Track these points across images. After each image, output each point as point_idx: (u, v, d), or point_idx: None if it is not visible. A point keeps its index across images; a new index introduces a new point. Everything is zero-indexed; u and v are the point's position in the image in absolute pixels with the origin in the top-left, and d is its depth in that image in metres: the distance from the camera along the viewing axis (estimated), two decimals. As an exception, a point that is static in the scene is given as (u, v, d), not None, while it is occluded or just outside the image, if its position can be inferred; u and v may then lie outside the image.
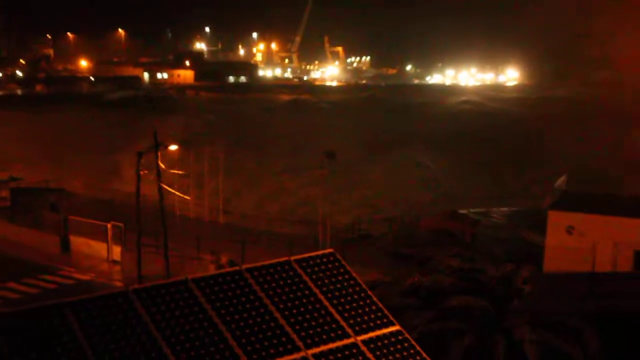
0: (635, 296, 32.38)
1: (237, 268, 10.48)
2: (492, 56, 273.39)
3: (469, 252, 32.90)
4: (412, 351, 9.78)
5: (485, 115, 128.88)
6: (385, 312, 10.30)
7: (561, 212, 39.11)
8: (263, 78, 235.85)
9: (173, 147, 50.04)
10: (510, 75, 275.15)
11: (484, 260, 27.81)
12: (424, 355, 9.80)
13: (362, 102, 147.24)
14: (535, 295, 24.27)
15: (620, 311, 28.45)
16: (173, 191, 46.70)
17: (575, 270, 34.64)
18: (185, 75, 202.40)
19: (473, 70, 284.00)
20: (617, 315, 27.23)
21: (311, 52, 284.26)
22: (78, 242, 47.37)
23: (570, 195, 43.01)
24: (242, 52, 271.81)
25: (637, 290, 33.23)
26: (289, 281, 10.31)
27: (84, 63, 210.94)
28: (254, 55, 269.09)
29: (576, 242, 36.65)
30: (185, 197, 52.01)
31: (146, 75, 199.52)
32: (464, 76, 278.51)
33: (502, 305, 21.78)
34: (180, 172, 50.57)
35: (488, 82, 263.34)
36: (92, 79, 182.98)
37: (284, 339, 9.39)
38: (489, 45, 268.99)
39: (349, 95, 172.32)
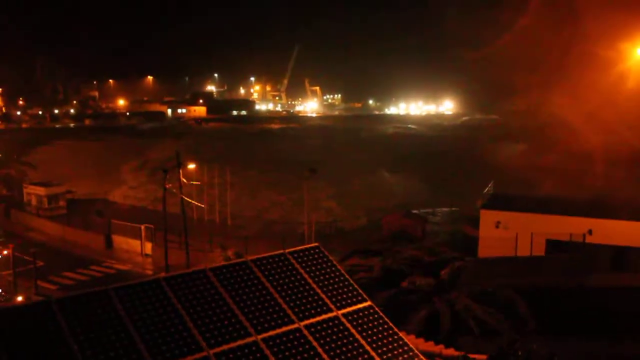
0: (547, 274, 32.57)
1: (243, 259, 10.39)
2: (433, 90, 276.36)
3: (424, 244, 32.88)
4: (380, 321, 9.78)
5: (409, 137, 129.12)
6: (360, 291, 10.27)
7: (490, 210, 39.39)
8: (259, 111, 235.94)
9: (191, 166, 49.84)
10: (447, 106, 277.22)
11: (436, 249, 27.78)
12: (390, 324, 9.80)
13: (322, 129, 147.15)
14: (473, 275, 24.29)
15: (537, 285, 28.61)
16: (190, 200, 46.41)
17: (502, 255, 34.83)
18: (200, 110, 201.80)
19: (420, 103, 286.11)
20: (535, 288, 27.39)
21: (296, 90, 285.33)
22: (119, 240, 47.11)
23: (497, 197, 43.24)
24: (242, 91, 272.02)
25: (548, 269, 33.44)
26: (284, 269, 10.26)
27: (121, 102, 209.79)
28: (251, 94, 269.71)
29: (502, 233, 36.83)
30: (201, 205, 51.77)
31: (169, 111, 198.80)
32: (413, 108, 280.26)
33: (446, 283, 21.77)
34: (197, 183, 50.40)
35: (432, 112, 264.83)
36: (127, 114, 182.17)
37: (281, 313, 9.36)
38: (431, 82, 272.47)
39: (323, 121, 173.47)
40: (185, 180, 42.12)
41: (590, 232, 35.92)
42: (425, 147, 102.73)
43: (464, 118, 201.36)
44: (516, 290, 21.56)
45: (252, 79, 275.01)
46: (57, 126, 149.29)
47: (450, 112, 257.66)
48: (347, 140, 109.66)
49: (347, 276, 10.53)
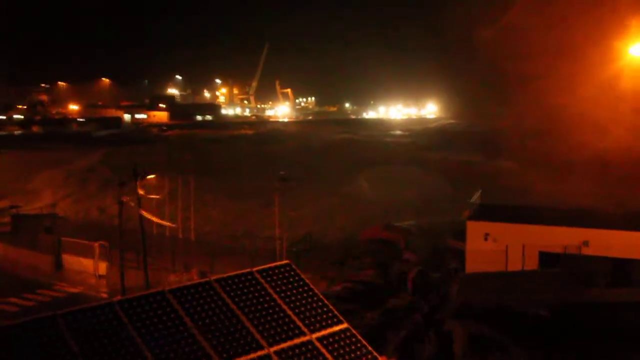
0: (541, 289, 32.76)
1: (207, 279, 10.27)
2: (414, 93, 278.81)
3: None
4: (358, 345, 9.71)
5: (355, 143, 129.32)
6: (335, 312, 10.21)
7: (478, 221, 39.50)
8: (226, 116, 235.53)
9: (150, 177, 49.46)
10: (430, 109, 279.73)
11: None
12: (369, 347, 9.73)
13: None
14: (461, 292, 24.33)
15: (531, 303, 28.73)
16: (149, 216, 45.95)
17: (492, 270, 34.92)
18: (161, 115, 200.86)
19: (399, 106, 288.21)
20: (528, 306, 27.50)
21: (265, 93, 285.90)
22: (70, 260, 46.48)
23: (485, 207, 43.44)
24: (207, 95, 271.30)
25: (543, 284, 33.63)
26: (251, 289, 10.16)
27: (73, 107, 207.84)
28: (217, 97, 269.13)
29: (491, 246, 36.98)
30: (166, 223, 51.23)
31: (127, 116, 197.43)
32: (393, 111, 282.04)
33: (432, 300, 21.77)
34: (156, 197, 49.97)
35: (414, 116, 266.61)
36: (80, 120, 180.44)
37: (249, 338, 9.24)
38: (412, 85, 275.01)
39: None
40: (143, 193, 41.75)
41: (586, 243, 36.23)
42: (365, 154, 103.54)
43: (438, 122, 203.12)
44: (508, 308, 21.65)
45: (218, 81, 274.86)
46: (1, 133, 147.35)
47: (433, 116, 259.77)
48: (272, 151, 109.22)
49: (321, 296, 10.46)
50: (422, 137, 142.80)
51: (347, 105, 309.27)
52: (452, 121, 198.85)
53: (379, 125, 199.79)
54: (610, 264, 35.97)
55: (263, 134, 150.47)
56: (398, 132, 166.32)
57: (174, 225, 52.34)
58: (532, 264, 36.46)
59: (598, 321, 28.27)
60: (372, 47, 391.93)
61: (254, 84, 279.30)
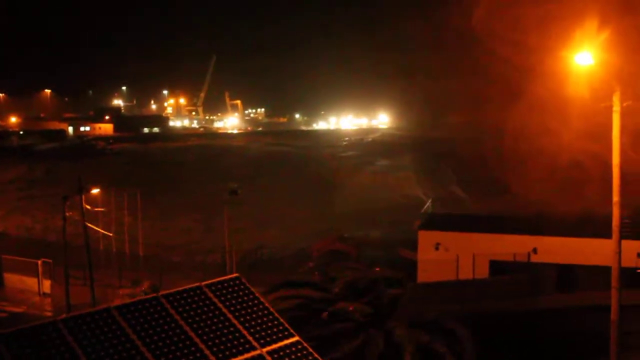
0: (491, 297, 33.31)
1: (154, 295, 10.17)
2: (366, 104, 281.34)
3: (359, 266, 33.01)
4: (310, 357, 9.73)
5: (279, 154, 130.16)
6: (286, 325, 10.21)
7: (429, 231, 39.96)
8: (173, 128, 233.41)
9: (95, 191, 48.74)
10: (382, 120, 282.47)
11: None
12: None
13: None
14: (411, 302, 24.52)
15: (482, 311, 29.20)
16: (95, 227, 45.23)
17: (443, 280, 35.37)
18: (106, 128, 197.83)
19: (350, 116, 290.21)
20: (479, 314, 27.92)
21: (214, 105, 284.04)
22: (12, 279, 45.33)
23: (436, 216, 44.03)
24: (154, 106, 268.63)
25: (494, 293, 34.19)
26: (200, 304, 10.11)
27: (13, 119, 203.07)
28: (165, 108, 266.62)
29: (442, 255, 37.43)
30: (108, 233, 50.54)
31: (70, 129, 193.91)
32: (345, 122, 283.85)
33: (383, 309, 21.84)
34: (101, 209, 49.23)
35: (364, 126, 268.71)
36: (20, 132, 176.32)
37: (198, 354, 9.16)
38: (363, 95, 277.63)
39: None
40: (88, 207, 41.08)
41: (535, 250, 37.00)
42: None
43: (375, 134, 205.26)
44: (460, 317, 21.89)
45: (166, 92, 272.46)
46: None
47: (385, 126, 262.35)
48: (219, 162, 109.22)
49: (271, 309, 10.47)
50: (359, 148, 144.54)
51: (297, 116, 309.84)
52: (398, 132, 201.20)
53: (327, 135, 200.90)
54: (557, 270, 36.86)
55: (208, 146, 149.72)
56: (343, 143, 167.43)
57: (111, 234, 51.56)
58: (483, 272, 37.04)
59: (547, 328, 28.88)
60: (323, 58, 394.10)
61: (202, 95, 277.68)
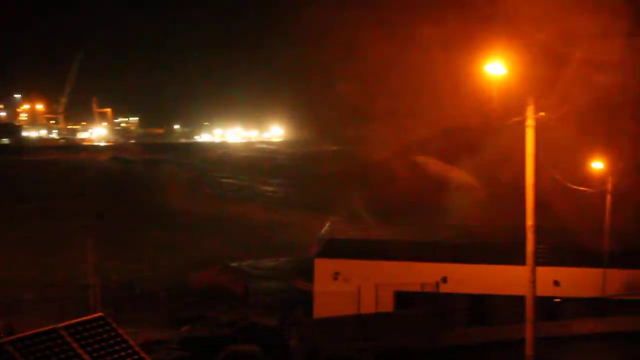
0: (396, 333, 33.71)
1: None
2: (256, 116, 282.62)
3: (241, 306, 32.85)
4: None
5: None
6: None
7: (326, 259, 39.58)
8: (27, 139, 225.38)
9: None
10: (275, 132, 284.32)
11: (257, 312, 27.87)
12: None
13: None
14: (306, 340, 24.55)
15: (384, 348, 29.51)
16: None
17: (343, 314, 35.22)
18: None
19: (238, 128, 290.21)
20: (382, 352, 28.23)
21: (79, 113, 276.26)
22: None
23: (335, 242, 43.79)
24: (4, 113, 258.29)
25: (398, 328, 34.60)
26: (56, 350, 9.66)
27: None
28: (18, 115, 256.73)
29: (342, 286, 37.21)
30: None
31: None
32: (231, 134, 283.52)
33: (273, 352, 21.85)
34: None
35: (253, 139, 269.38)
36: None
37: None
38: (254, 107, 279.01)
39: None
40: None
41: (444, 280, 37.54)
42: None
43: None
44: (360, 355, 22.11)
45: (19, 96, 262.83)
46: None
47: (279, 139, 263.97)
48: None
49: (142, 353, 10.18)
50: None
51: (176, 127, 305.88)
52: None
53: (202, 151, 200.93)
54: (470, 301, 37.63)
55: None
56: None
57: None
58: (387, 305, 37.28)
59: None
60: (206, 66, 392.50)
61: (64, 100, 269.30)
